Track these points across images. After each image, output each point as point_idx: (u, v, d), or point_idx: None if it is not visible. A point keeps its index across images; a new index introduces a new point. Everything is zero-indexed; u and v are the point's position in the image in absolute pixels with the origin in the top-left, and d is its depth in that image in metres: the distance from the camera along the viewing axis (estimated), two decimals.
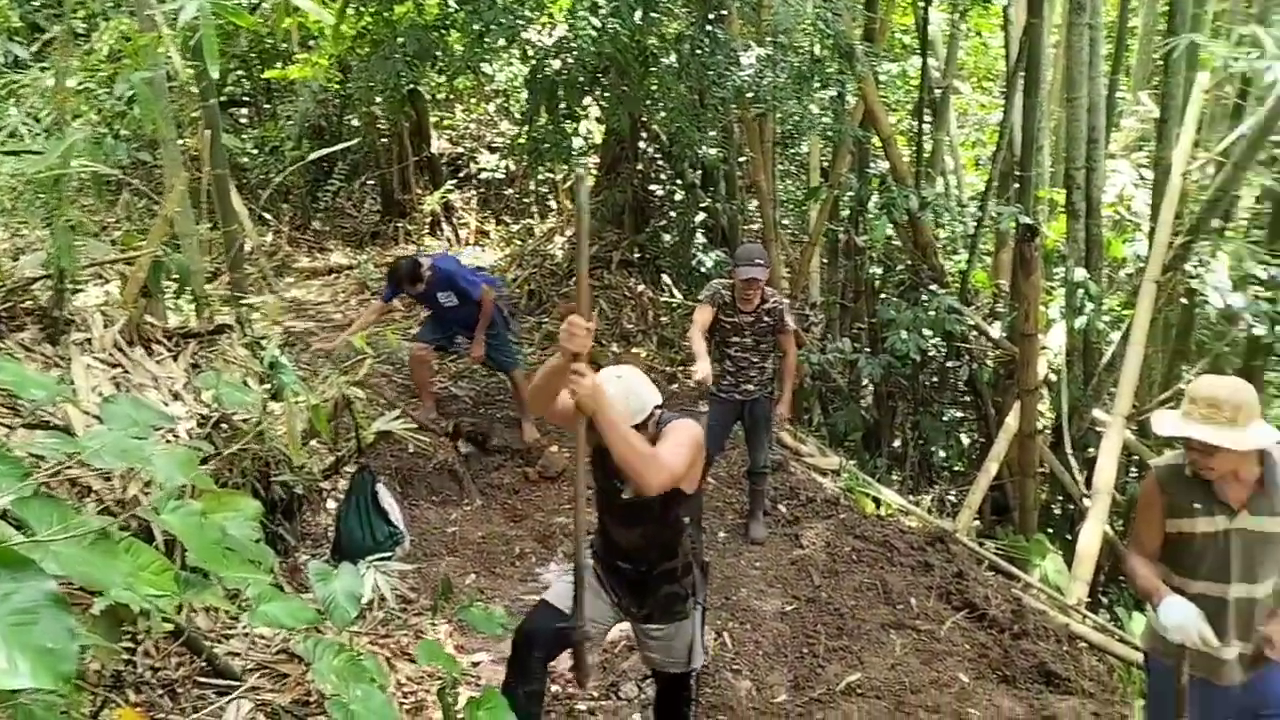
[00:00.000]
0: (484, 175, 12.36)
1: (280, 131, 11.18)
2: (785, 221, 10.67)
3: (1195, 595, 2.92)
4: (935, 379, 8.64)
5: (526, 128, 8.32)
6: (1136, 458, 7.49)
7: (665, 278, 9.50)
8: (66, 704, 2.18)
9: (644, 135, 9.43)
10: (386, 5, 8.01)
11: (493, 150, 12.76)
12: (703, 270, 8.93)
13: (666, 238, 9.60)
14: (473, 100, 13.52)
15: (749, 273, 5.15)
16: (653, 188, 9.70)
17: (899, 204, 7.35)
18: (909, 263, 8.56)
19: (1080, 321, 7.02)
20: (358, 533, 4.68)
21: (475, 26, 6.72)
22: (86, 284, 4.93)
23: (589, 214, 2.89)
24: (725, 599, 4.96)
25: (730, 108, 7.81)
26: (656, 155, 9.64)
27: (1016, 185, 7.95)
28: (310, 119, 11.37)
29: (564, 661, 3.10)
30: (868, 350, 8.10)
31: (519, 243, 10.93)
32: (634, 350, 8.32)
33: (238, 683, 3.17)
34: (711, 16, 7.31)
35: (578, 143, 8.87)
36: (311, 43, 10.56)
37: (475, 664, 4.16)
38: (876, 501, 6.53)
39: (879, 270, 9.18)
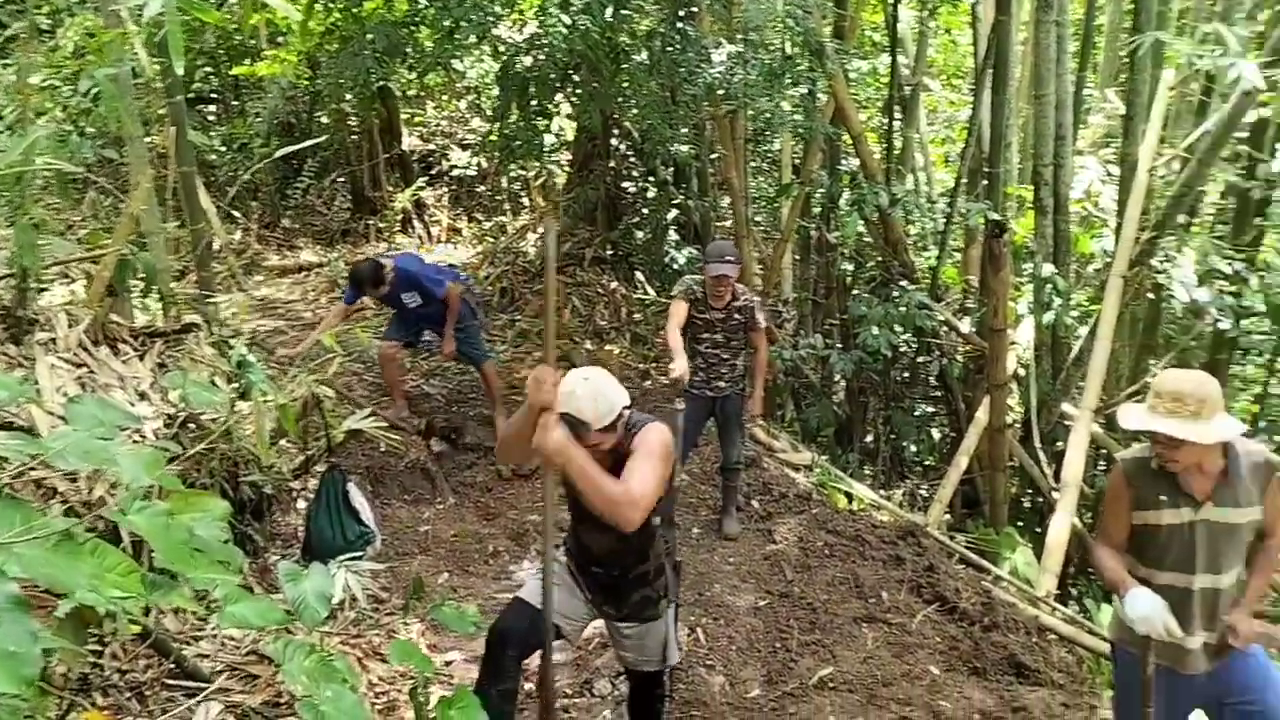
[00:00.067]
0: (456, 172, 12.31)
1: (249, 128, 11.09)
2: (757, 218, 10.73)
3: (1161, 586, 2.96)
4: (906, 374, 8.69)
5: (498, 124, 8.30)
6: (1104, 451, 7.57)
7: (638, 275, 9.51)
8: (31, 708, 2.15)
9: (616, 132, 9.42)
10: (355, 1, 7.95)
11: (464, 147, 12.70)
12: (675, 267, 8.94)
13: (639, 235, 9.61)
14: (444, 97, 13.45)
15: (719, 270, 5.15)
16: (625, 185, 9.69)
17: (870, 201, 7.39)
18: (880, 259, 8.61)
19: (1048, 316, 7.07)
20: (328, 532, 4.65)
21: (445, 22, 6.69)
22: (51, 283, 4.86)
23: (555, 262, 2.90)
24: (699, 595, 4.97)
25: (702, 105, 7.83)
26: (628, 152, 9.64)
27: (985, 182, 8.02)
28: (279, 116, 11.28)
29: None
30: (839, 346, 8.15)
31: (491, 240, 10.88)
32: (607, 347, 8.31)
33: (207, 684, 3.14)
34: (682, 14, 7.31)
35: (549, 140, 8.86)
36: (280, 39, 10.45)
37: (448, 663, 4.14)
38: (848, 496, 6.56)
39: (850, 266, 9.23)
